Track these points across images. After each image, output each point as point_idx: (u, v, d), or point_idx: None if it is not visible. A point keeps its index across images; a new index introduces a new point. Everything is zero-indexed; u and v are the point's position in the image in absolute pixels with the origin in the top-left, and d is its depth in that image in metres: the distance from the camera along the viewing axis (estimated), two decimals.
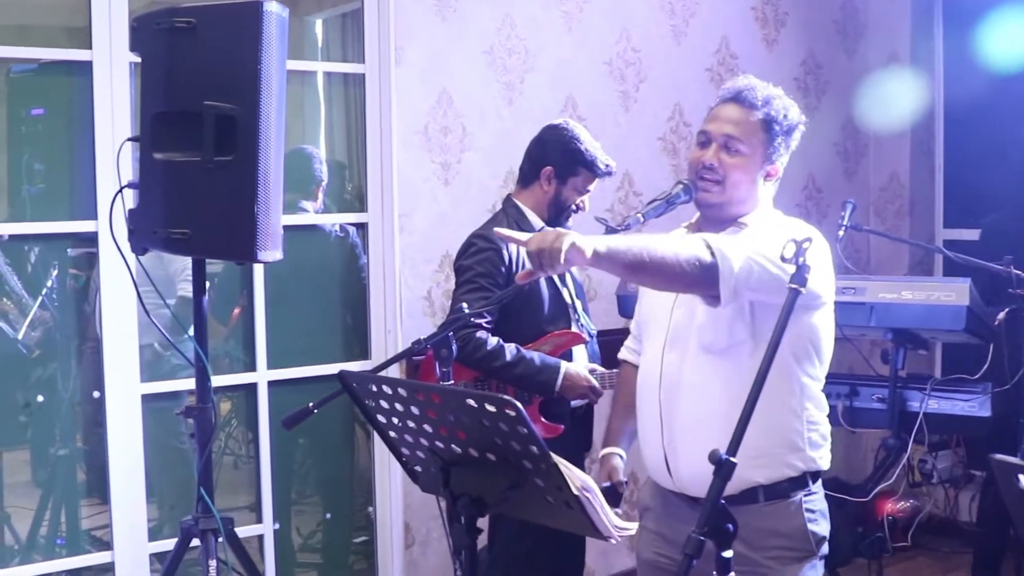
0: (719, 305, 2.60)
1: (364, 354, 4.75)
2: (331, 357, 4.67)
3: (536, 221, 3.96)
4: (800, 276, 2.30)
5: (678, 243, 2.57)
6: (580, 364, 3.91)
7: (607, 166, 3.97)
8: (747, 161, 2.82)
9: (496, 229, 2.68)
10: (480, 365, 3.71)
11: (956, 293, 4.29)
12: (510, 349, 3.75)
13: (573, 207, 3.97)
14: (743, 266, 2.57)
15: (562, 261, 2.37)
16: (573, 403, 3.93)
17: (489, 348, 3.71)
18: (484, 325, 3.74)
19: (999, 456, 2.01)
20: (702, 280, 2.56)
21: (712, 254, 2.55)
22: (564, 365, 3.82)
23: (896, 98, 6.16)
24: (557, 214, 3.97)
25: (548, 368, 3.80)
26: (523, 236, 2.48)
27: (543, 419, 3.83)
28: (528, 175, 4.01)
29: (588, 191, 3.99)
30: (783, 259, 2.36)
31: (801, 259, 2.30)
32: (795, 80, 6.07)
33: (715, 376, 2.76)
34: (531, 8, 5.05)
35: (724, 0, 5.78)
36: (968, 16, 6.00)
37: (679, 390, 2.80)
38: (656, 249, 2.49)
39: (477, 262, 3.80)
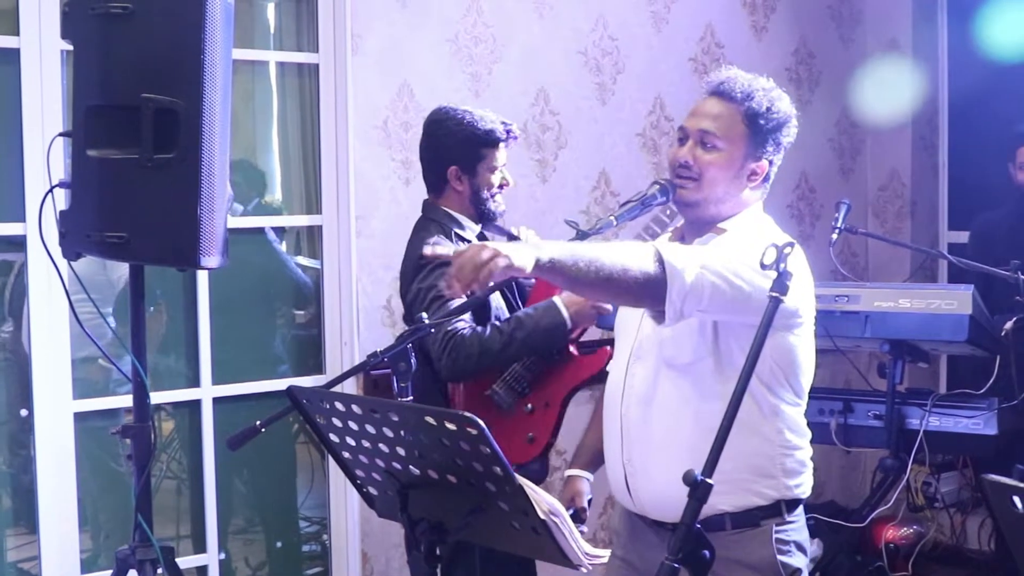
0: (663, 323, 2.62)
1: (318, 368, 4.78)
2: (281, 371, 4.70)
3: (468, 222, 3.84)
4: (781, 284, 2.34)
5: (628, 253, 2.56)
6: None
7: (508, 130, 3.83)
8: (724, 157, 2.85)
9: (426, 250, 2.66)
10: (484, 363, 3.58)
11: (958, 301, 4.34)
12: (493, 329, 3.62)
13: (496, 189, 3.85)
14: (694, 283, 2.57)
15: (492, 283, 2.43)
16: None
17: (481, 342, 3.57)
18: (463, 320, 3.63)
19: (992, 476, 2.06)
20: (648, 295, 2.58)
21: (662, 267, 2.56)
22: (555, 297, 3.69)
23: (896, 89, 6.22)
24: (482, 205, 3.84)
25: (546, 309, 3.65)
26: (448, 251, 2.50)
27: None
28: (436, 183, 3.88)
29: (502, 165, 3.86)
30: (763, 266, 2.39)
31: (782, 265, 2.33)
32: (787, 71, 6.13)
33: (677, 393, 2.80)
34: None
35: None
36: (975, 1, 6.06)
37: (641, 405, 2.85)
38: (605, 261, 2.50)
39: (437, 278, 3.61)
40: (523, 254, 2.42)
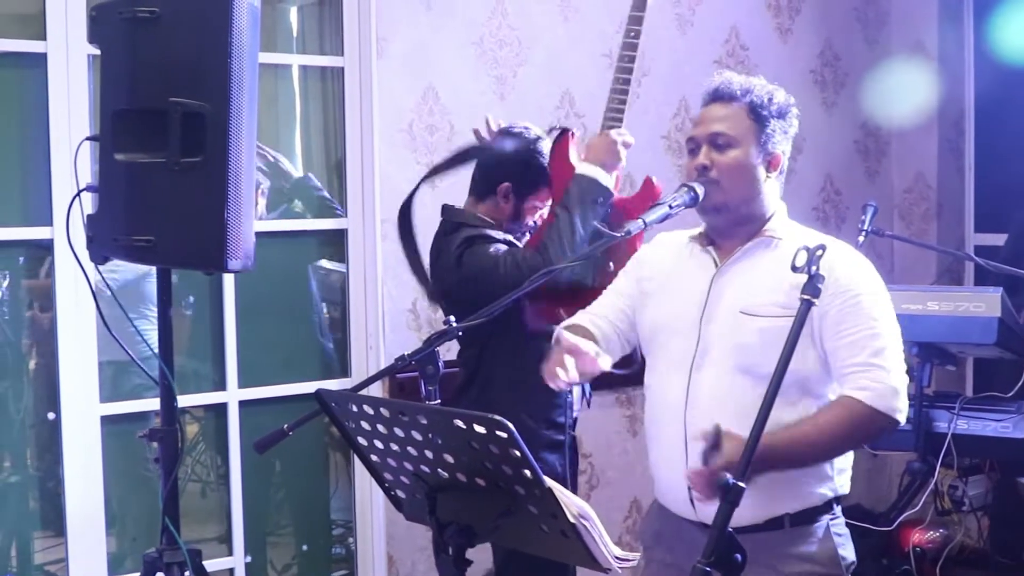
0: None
1: (344, 371, 4.78)
2: (307, 375, 4.70)
3: (498, 233, 3.78)
4: (812, 287, 2.34)
5: (835, 439, 2.78)
6: None
7: None
8: (741, 155, 2.87)
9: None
10: (560, 249, 3.51)
11: (987, 304, 4.32)
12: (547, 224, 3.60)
13: (531, 223, 3.84)
14: (904, 393, 2.82)
15: None
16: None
17: (548, 237, 3.54)
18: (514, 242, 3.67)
19: None
20: (874, 436, 2.87)
21: (894, 411, 2.78)
22: (581, 166, 3.65)
23: (921, 91, 6.19)
24: (513, 229, 3.83)
25: (575, 180, 3.59)
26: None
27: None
28: (483, 189, 3.86)
29: (548, 204, 3.84)
30: (794, 268, 2.42)
31: (814, 268, 2.34)
32: (811, 73, 6.12)
33: (753, 398, 2.72)
34: None
35: None
36: (1001, 2, 6.03)
37: (712, 412, 2.80)
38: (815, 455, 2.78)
39: (493, 248, 3.63)
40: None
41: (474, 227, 3.75)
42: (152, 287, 4.23)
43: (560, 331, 2.92)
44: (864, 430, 2.79)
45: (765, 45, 5.92)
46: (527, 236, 3.88)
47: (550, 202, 3.83)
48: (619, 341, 3.10)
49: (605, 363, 2.78)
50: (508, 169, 3.81)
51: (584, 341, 2.83)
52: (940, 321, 4.39)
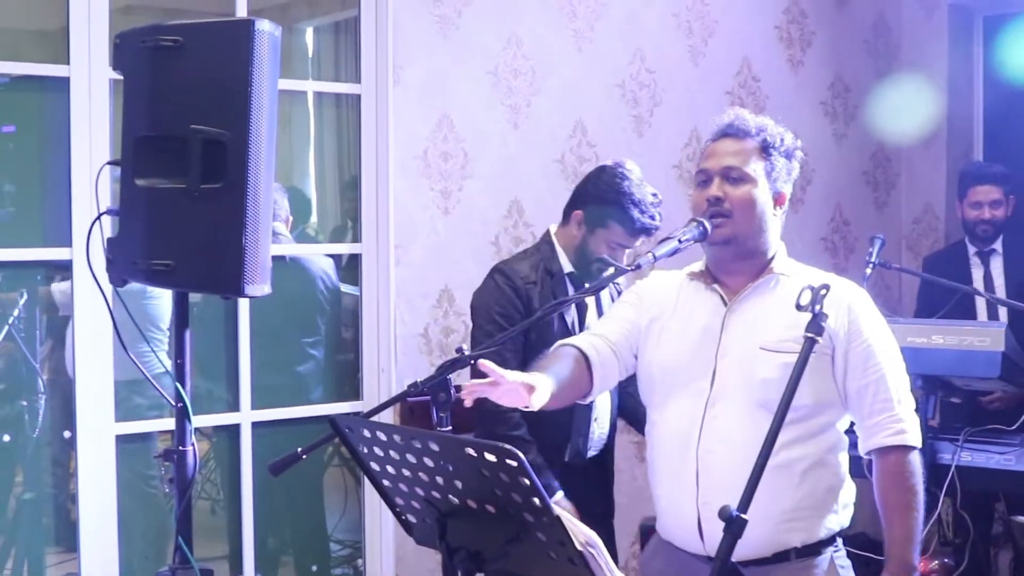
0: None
1: (355, 394, 4.82)
2: (319, 397, 4.74)
3: (566, 265, 3.89)
4: (816, 325, 2.39)
5: (914, 492, 2.99)
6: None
7: (643, 224, 3.80)
8: (753, 188, 2.92)
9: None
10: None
11: (991, 338, 4.33)
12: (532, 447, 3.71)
13: (602, 259, 3.81)
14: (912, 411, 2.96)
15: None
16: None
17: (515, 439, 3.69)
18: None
19: (1021, 519, 2.08)
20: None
21: (914, 442, 2.95)
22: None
23: (931, 124, 6.24)
24: (584, 263, 3.88)
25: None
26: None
27: None
28: (566, 212, 3.97)
29: (624, 247, 3.85)
30: (798, 307, 2.46)
31: (817, 307, 2.38)
32: (822, 104, 6.16)
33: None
34: (538, 27, 5.14)
35: (746, 18, 5.88)
36: (1012, 35, 6.08)
37: (728, 445, 2.84)
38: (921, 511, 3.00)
39: (495, 300, 3.80)
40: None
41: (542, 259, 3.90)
42: (151, 308, 4.34)
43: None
44: (919, 464, 2.96)
45: (776, 77, 5.97)
46: (603, 274, 3.83)
47: (625, 238, 3.83)
48: (619, 366, 3.08)
49: (536, 402, 2.72)
50: (584, 198, 3.89)
51: (534, 376, 2.76)
52: (945, 355, 4.40)
